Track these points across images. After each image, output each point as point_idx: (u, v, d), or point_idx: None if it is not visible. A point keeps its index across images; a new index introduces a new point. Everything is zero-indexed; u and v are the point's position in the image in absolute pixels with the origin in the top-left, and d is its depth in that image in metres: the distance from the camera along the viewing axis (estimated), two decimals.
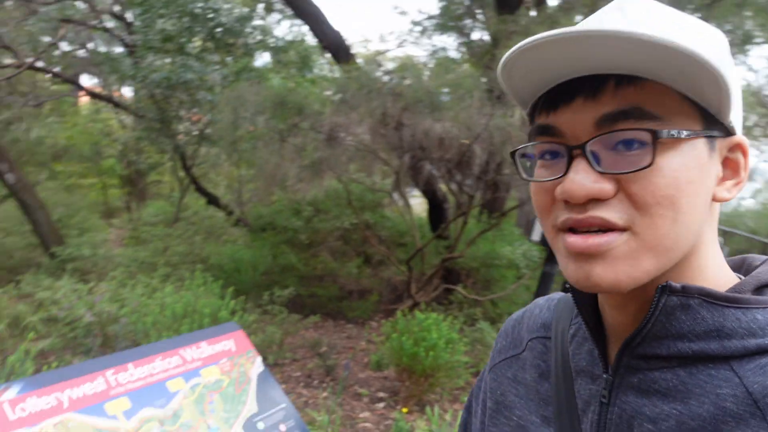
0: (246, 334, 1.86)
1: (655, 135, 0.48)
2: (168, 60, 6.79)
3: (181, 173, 8.66)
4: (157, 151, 8.54)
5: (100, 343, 4.01)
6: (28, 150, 13.64)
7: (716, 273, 0.55)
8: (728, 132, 0.53)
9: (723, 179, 0.53)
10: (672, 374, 0.51)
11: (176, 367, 1.60)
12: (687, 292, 0.50)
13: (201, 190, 8.91)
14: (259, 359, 1.84)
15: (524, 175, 0.58)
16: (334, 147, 4.43)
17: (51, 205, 7.70)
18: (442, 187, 6.96)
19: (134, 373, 1.50)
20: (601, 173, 0.50)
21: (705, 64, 0.45)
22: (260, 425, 1.67)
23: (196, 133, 7.73)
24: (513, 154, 0.59)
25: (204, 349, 1.71)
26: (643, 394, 0.53)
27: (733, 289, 0.53)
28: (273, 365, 4.90)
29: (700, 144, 0.51)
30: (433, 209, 7.33)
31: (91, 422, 1.33)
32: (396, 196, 6.41)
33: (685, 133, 0.49)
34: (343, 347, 5.57)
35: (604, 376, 0.57)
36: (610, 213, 0.50)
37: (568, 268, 0.53)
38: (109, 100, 8.33)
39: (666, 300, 0.50)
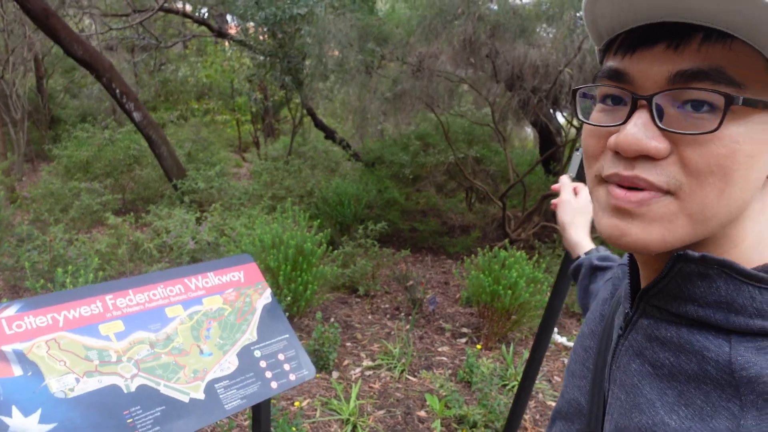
0: (257, 266, 1.92)
1: (729, 101, 0.46)
2: None
3: (295, 108, 8.93)
4: (278, 86, 8.84)
5: None
6: (176, 89, 14.89)
7: (753, 248, 0.53)
8: None
9: None
10: (675, 329, 0.53)
11: (177, 295, 1.69)
12: (707, 261, 0.50)
13: (319, 125, 9.17)
14: (268, 291, 1.91)
15: (581, 116, 0.58)
16: (421, 78, 4.29)
17: (182, 141, 8.39)
18: (557, 118, 6.54)
19: (133, 298, 1.60)
20: (661, 130, 0.49)
21: None
22: (257, 353, 1.74)
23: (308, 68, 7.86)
24: (575, 92, 0.60)
25: (210, 279, 1.79)
26: (648, 338, 0.56)
27: (763, 268, 0.51)
28: (364, 296, 5.06)
29: None
30: (544, 142, 6.94)
31: (82, 341, 1.46)
32: (500, 129, 6.14)
33: (762, 103, 0.46)
34: (437, 282, 5.59)
35: (626, 311, 0.61)
36: (658, 176, 0.50)
37: (602, 221, 0.54)
38: (224, 36, 8.71)
39: (683, 266, 0.51)
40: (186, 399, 1.53)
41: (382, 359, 3.84)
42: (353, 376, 3.65)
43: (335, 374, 3.66)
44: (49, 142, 9.47)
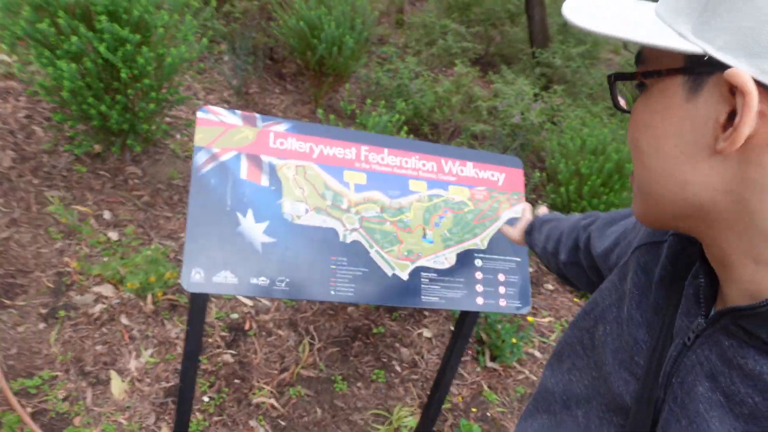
0: (524, 175, 1.74)
1: (614, 78, 0.54)
2: None
3: None
4: None
5: (516, 144, 4.28)
6: None
7: None
8: (716, 67, 0.43)
9: (725, 126, 0.44)
10: (766, 361, 0.45)
11: (428, 171, 1.64)
12: None
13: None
14: (521, 206, 1.72)
15: None
16: None
17: (558, 8, 7.90)
18: None
19: (385, 158, 1.61)
20: (623, 111, 0.57)
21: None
22: (478, 262, 1.63)
23: None
24: None
25: (467, 169, 1.69)
26: (726, 362, 0.48)
27: None
28: None
29: (673, 85, 0.47)
30: None
31: (325, 178, 1.53)
32: None
33: (656, 72, 0.49)
34: None
35: (700, 319, 0.52)
36: None
37: None
38: None
39: None
40: (389, 273, 1.53)
41: None
42: None
43: None
44: None
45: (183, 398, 1.60)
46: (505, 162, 1.74)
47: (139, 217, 2.66)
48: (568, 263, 1.01)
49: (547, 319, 3.10)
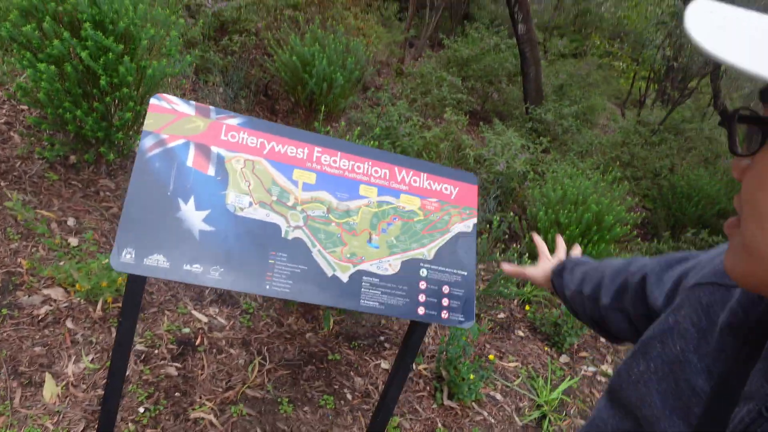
0: (477, 193, 1.72)
1: (740, 119, 0.44)
2: None
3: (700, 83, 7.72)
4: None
5: (498, 191, 4.30)
6: (591, 22, 14.48)
7: None
8: None
9: None
10: None
11: (380, 178, 1.63)
12: None
13: (719, 109, 7.83)
14: (472, 221, 1.70)
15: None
16: None
17: (561, 72, 8.11)
18: None
19: (338, 161, 1.59)
20: (738, 156, 0.47)
21: None
22: (423, 272, 1.59)
23: None
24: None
25: (420, 179, 1.67)
26: None
27: None
28: None
29: None
30: None
31: (274, 175, 1.52)
32: None
33: None
34: None
35: None
36: (737, 202, 0.48)
37: None
38: None
39: None
40: (329, 273, 1.49)
41: None
42: (582, 372, 3.23)
43: (564, 358, 3.29)
44: (456, 35, 10.20)
45: (110, 393, 1.53)
46: (459, 177, 1.72)
47: (104, 226, 2.63)
48: (610, 308, 0.91)
49: (513, 364, 3.01)
